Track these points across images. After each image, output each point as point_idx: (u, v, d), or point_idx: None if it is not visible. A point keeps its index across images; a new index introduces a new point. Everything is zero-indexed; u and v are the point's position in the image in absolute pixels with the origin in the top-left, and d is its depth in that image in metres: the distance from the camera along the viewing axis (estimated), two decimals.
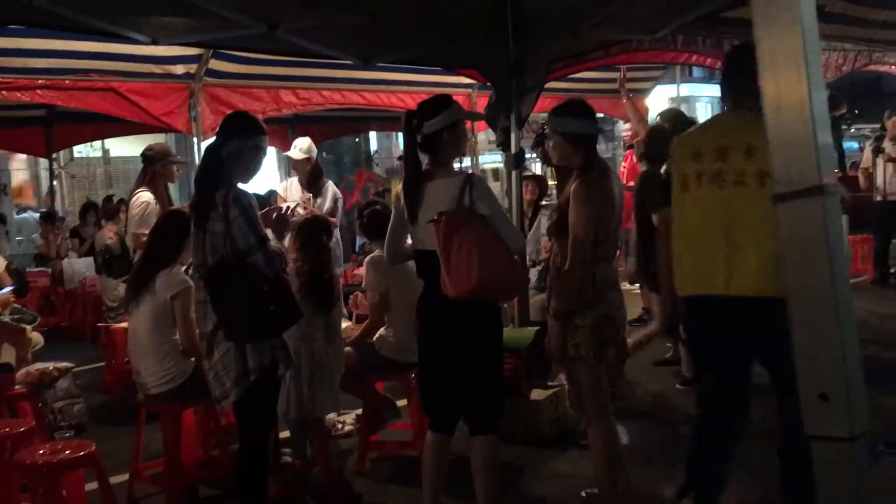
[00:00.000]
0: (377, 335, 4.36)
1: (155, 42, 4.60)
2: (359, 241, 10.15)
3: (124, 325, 4.75)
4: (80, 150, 15.01)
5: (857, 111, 17.46)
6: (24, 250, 13.11)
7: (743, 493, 3.51)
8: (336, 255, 5.65)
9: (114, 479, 3.77)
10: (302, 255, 4.00)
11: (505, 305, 4.85)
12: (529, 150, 7.06)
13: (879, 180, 8.53)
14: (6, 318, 4.84)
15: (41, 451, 3.42)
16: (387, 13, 4.50)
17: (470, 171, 4.54)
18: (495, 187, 4.78)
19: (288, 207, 4.61)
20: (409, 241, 3.39)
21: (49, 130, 9.19)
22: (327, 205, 5.84)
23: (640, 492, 3.66)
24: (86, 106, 6.77)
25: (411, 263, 3.41)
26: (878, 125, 9.97)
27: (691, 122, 5.50)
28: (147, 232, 4.36)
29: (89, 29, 4.33)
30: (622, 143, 10.09)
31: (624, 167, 7.80)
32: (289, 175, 7.92)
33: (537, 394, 4.66)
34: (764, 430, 3.30)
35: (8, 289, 5.39)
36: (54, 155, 10.66)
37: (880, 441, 3.14)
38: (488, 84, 5.67)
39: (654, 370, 5.83)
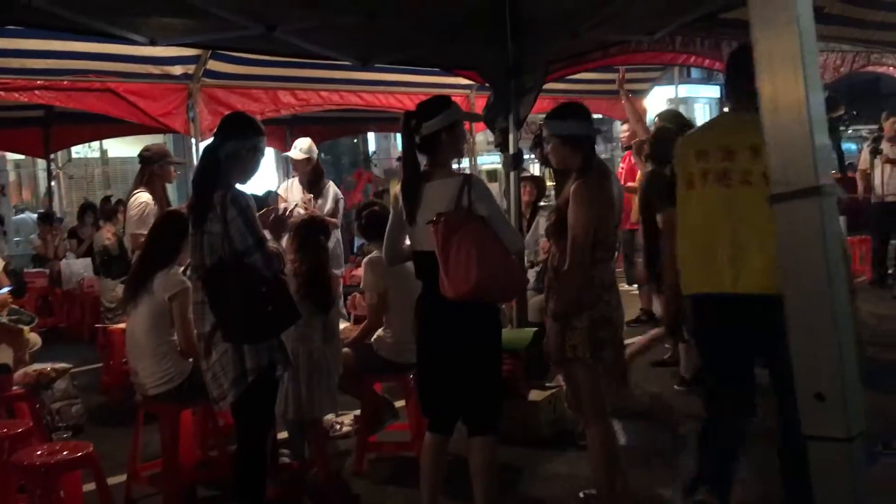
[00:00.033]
0: (375, 336, 4.36)
1: (153, 43, 4.59)
2: (357, 241, 10.13)
3: (122, 325, 4.74)
4: (78, 151, 15.02)
5: (855, 112, 17.46)
6: (21, 251, 13.12)
7: (743, 493, 3.50)
8: (336, 255, 5.66)
9: (112, 480, 3.77)
10: (300, 255, 4.00)
11: (503, 306, 4.85)
12: (528, 151, 7.04)
13: (877, 181, 8.53)
14: (4, 319, 4.84)
15: (39, 452, 3.41)
16: (385, 14, 4.50)
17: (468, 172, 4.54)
18: (493, 188, 4.78)
19: (286, 208, 4.61)
20: (408, 241, 3.39)
21: (47, 131, 9.16)
22: (328, 206, 5.82)
23: (637, 492, 3.66)
24: (84, 107, 6.75)
25: (410, 264, 3.41)
26: (875, 126, 9.98)
27: (689, 123, 5.51)
28: (145, 233, 4.35)
29: (87, 29, 4.32)
30: (620, 144, 10.08)
31: (622, 168, 7.79)
32: (287, 176, 7.90)
33: (535, 395, 4.66)
34: (764, 430, 3.30)
35: (6, 289, 5.39)
36: (52, 155, 10.63)
37: (878, 442, 3.16)
38: (487, 85, 5.67)
39: (653, 371, 5.83)
